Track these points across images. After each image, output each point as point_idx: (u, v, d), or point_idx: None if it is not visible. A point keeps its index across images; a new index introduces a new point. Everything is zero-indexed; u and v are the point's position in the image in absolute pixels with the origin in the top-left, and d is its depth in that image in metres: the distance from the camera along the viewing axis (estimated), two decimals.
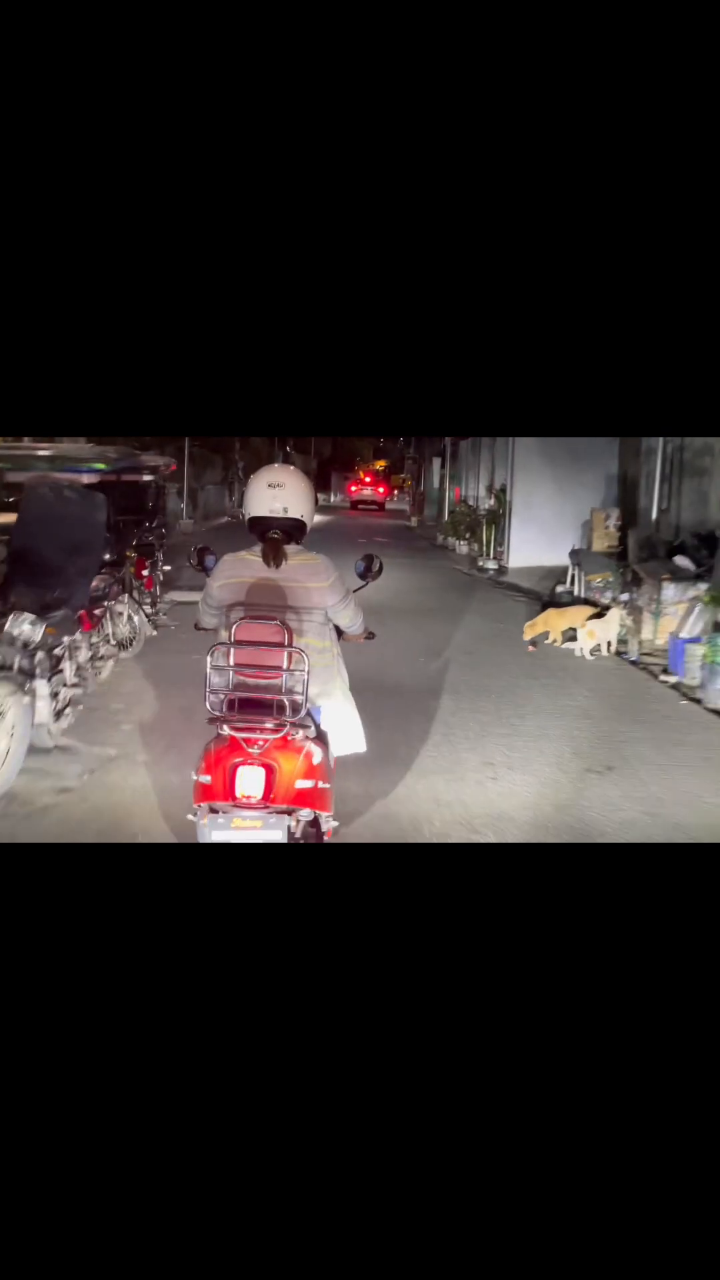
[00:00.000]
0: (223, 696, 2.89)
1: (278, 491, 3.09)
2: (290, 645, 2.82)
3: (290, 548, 3.13)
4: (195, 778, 2.89)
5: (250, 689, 2.91)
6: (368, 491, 38.07)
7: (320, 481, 42.90)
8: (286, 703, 2.85)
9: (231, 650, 2.86)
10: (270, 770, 2.78)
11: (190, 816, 2.92)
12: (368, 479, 39.79)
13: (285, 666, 2.84)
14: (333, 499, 42.67)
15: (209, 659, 2.81)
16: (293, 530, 3.15)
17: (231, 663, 2.87)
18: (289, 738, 2.85)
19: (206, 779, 2.82)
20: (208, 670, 2.81)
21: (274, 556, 3.07)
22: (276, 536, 3.10)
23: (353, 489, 39.04)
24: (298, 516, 3.12)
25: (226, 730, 2.85)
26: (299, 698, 2.82)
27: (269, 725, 2.82)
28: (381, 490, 38.16)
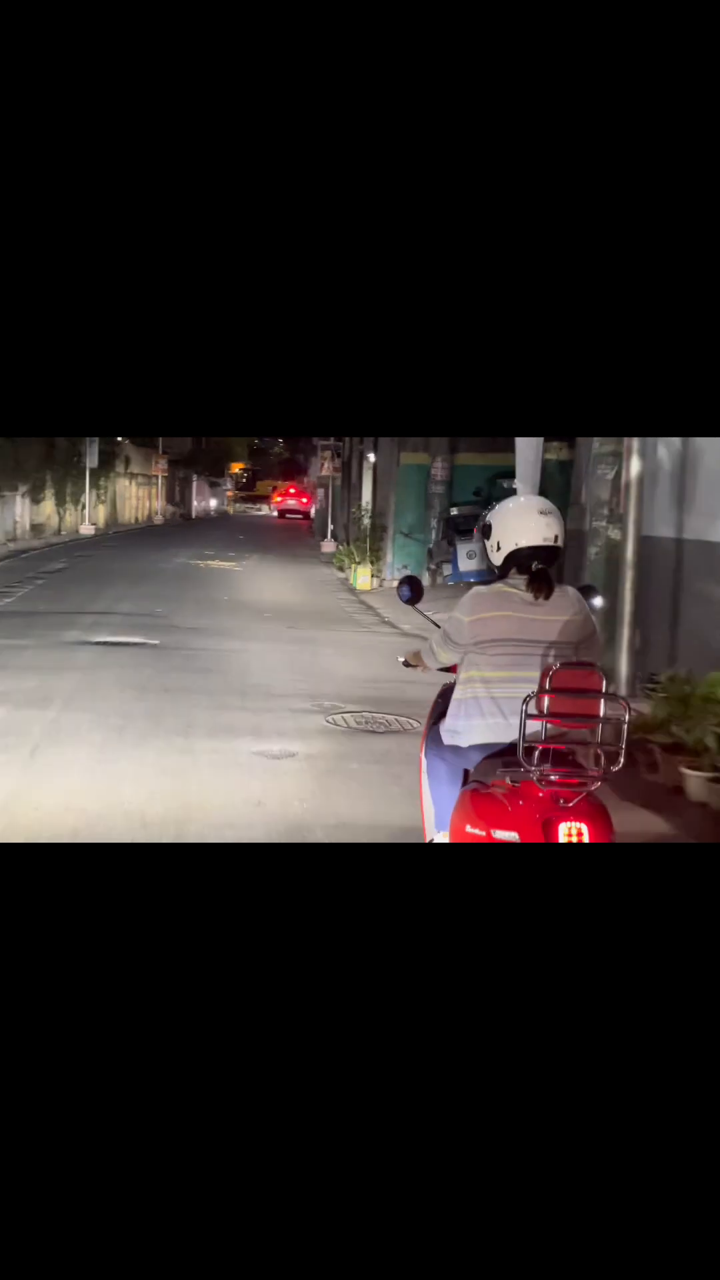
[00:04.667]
0: (535, 747, 2.60)
1: (550, 520, 2.86)
2: (608, 693, 2.62)
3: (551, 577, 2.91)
4: (473, 831, 2.63)
5: (567, 741, 2.70)
6: (292, 502, 42.54)
7: (186, 486, 42.37)
8: (604, 754, 2.64)
9: (547, 699, 2.58)
10: (595, 824, 2.51)
11: None
12: (292, 490, 43.83)
13: (602, 717, 2.62)
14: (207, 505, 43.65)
15: (524, 708, 2.55)
16: (554, 560, 2.93)
17: (546, 710, 2.59)
18: (593, 795, 2.63)
19: (511, 835, 2.54)
20: (522, 719, 2.54)
21: (545, 591, 2.83)
22: (543, 568, 2.86)
23: (278, 499, 43.97)
24: (561, 545, 2.92)
25: (545, 781, 2.56)
26: (619, 751, 2.58)
27: (589, 779, 2.57)
28: (305, 500, 40.64)
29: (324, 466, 23.44)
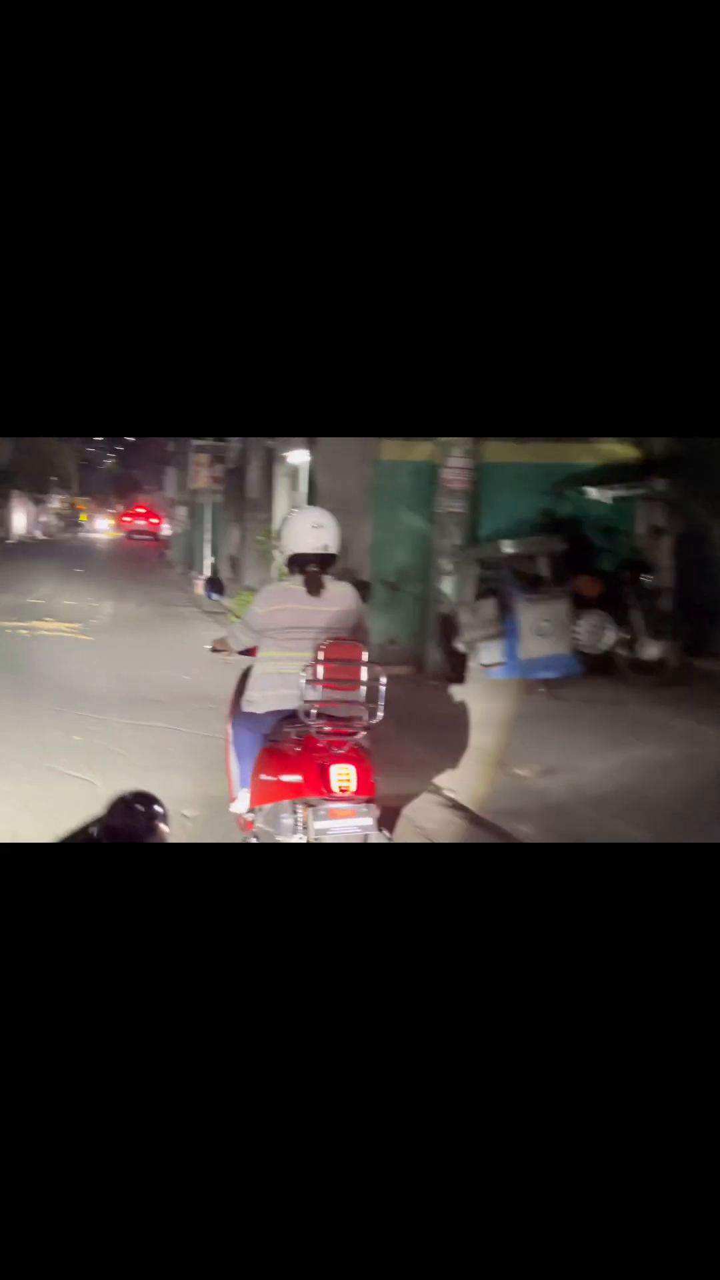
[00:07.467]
0: (313, 707, 3.24)
1: (321, 532, 3.54)
2: (369, 663, 3.32)
3: (325, 577, 3.58)
4: (266, 779, 3.31)
5: (337, 700, 3.31)
6: (141, 522, 37.79)
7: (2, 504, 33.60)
8: (366, 711, 3.28)
9: (321, 668, 3.27)
10: (360, 765, 3.16)
11: (247, 815, 3.55)
12: (141, 509, 39.26)
13: (364, 681, 3.32)
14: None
15: (303, 675, 3.22)
16: (328, 564, 3.58)
17: (321, 677, 3.27)
18: (359, 743, 3.25)
19: (295, 778, 3.18)
20: (303, 684, 3.22)
21: (318, 587, 3.53)
22: (317, 570, 3.53)
23: (125, 519, 39.37)
24: (335, 553, 3.59)
25: (321, 733, 3.22)
26: (377, 707, 3.26)
27: (355, 730, 3.24)
28: (155, 521, 36.88)
29: (198, 476, 16.77)
